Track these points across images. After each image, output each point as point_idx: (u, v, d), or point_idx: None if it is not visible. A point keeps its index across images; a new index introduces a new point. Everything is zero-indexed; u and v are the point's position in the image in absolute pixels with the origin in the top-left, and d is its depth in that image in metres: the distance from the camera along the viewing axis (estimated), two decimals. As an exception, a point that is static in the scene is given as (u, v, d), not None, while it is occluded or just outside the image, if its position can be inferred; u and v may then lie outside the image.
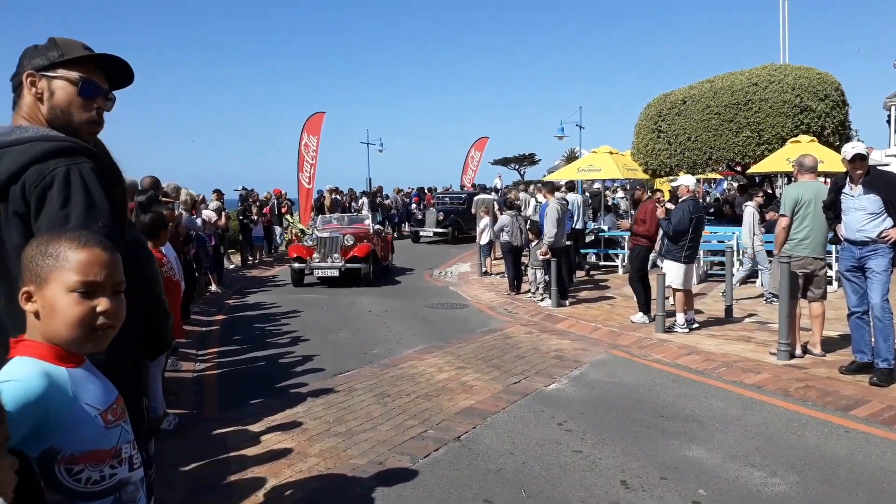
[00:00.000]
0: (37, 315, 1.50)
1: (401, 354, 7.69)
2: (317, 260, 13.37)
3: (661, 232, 8.58)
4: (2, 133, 1.92)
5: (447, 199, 24.83)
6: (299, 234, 21.62)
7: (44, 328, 1.50)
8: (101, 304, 1.50)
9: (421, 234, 22.89)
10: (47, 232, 1.64)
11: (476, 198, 21.00)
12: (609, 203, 19.00)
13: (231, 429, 5.27)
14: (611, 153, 16.70)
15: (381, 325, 9.51)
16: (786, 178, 9.64)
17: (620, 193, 22.52)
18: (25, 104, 2.02)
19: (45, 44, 2.04)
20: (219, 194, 14.78)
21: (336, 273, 13.19)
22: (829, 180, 8.19)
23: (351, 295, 12.35)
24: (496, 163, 58.82)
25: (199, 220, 11.16)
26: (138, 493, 1.60)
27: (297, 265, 13.60)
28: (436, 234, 22.53)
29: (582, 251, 14.08)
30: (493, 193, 23.40)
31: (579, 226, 13.51)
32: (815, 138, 12.60)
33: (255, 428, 5.26)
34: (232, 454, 4.74)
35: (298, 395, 6.14)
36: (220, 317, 10.48)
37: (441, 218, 22.60)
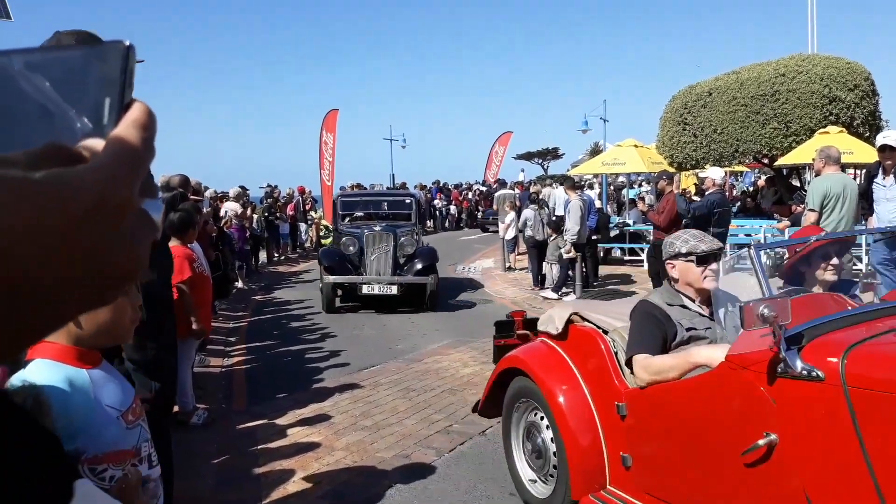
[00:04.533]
0: None
1: (425, 349, 7.73)
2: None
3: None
4: None
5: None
6: (324, 231, 21.81)
7: (77, 328, 1.49)
8: (137, 299, 1.54)
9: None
10: None
11: (498, 193, 20.99)
12: (632, 197, 18.86)
13: (259, 422, 5.35)
14: (636, 146, 16.59)
15: (406, 320, 9.57)
16: (815, 171, 9.48)
17: (645, 187, 22.37)
18: None
19: (51, 38, 2.07)
20: (244, 190, 14.94)
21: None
22: (857, 172, 8.07)
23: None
24: (519, 157, 58.63)
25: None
26: (159, 490, 1.64)
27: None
28: None
29: (606, 245, 14.02)
30: (515, 189, 23.32)
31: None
32: (844, 129, 12.39)
33: (282, 421, 5.34)
34: (260, 447, 4.82)
35: (325, 389, 6.22)
36: (248, 313, 10.61)
37: None
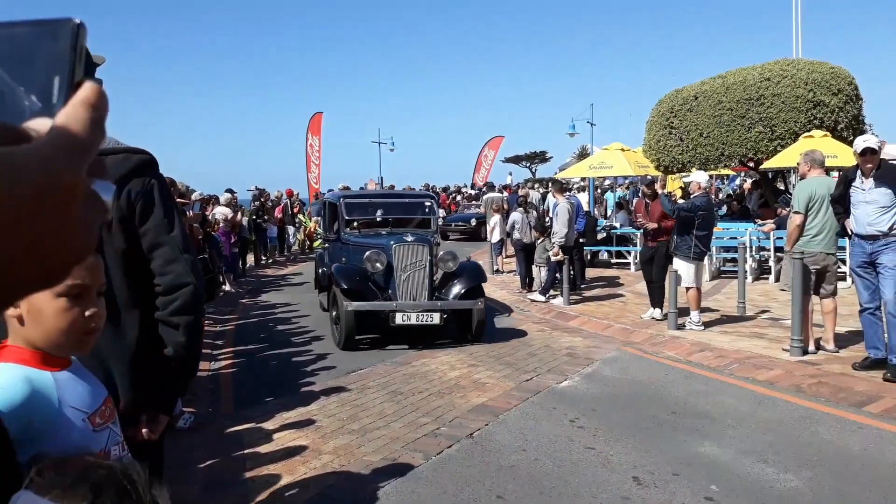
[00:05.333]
0: (20, 320, 1.46)
1: (413, 353, 7.72)
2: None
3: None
4: None
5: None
6: (313, 233, 21.74)
7: (29, 334, 1.46)
8: (90, 307, 1.49)
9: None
10: None
11: (485, 196, 21.06)
12: (617, 200, 18.98)
13: (246, 426, 5.33)
14: (622, 150, 16.67)
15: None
16: (800, 175, 9.57)
17: (620, 192, 22.46)
18: None
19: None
20: (232, 194, 14.89)
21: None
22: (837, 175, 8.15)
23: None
24: (507, 160, 58.76)
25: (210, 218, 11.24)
26: None
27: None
28: None
29: (593, 248, 14.09)
30: (503, 192, 23.40)
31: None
32: (828, 133, 12.53)
33: (269, 425, 5.33)
34: (247, 451, 4.80)
35: (312, 393, 6.20)
36: (235, 316, 10.57)
37: None
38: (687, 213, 8.06)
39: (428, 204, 10.15)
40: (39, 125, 0.41)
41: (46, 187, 0.38)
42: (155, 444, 2.15)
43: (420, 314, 7.91)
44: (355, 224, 9.80)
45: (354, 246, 8.87)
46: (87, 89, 0.42)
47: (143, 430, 2.02)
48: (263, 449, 4.84)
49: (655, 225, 8.85)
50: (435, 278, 8.36)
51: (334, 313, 8.28)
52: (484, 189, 27.60)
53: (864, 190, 6.01)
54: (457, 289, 8.21)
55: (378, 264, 8.07)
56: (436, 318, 7.91)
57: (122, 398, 1.99)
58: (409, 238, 8.36)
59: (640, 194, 12.72)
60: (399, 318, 7.87)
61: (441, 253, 8.45)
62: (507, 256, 14.72)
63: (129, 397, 2.02)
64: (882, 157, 6.24)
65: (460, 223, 23.76)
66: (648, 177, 15.71)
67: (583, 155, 41.79)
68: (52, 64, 0.43)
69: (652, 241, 9.03)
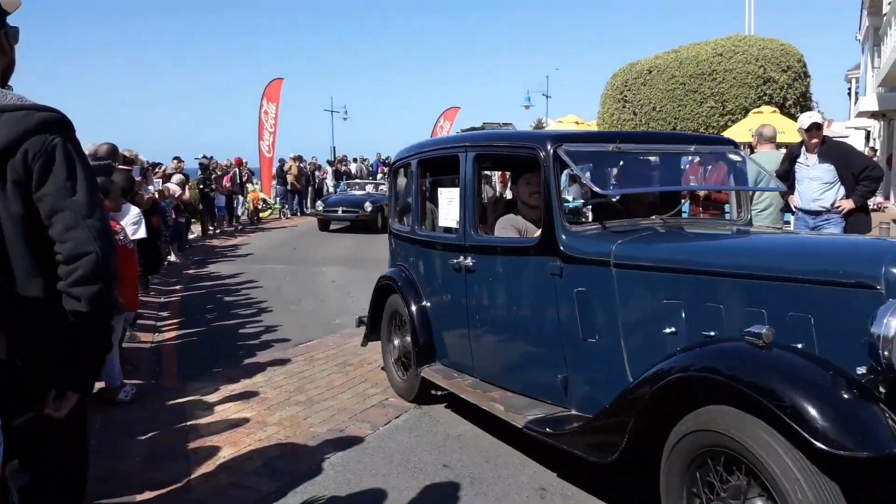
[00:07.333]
0: None
1: (364, 324, 7.65)
2: None
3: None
4: None
5: None
6: (261, 203, 21.40)
7: None
8: None
9: None
10: None
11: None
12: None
13: (189, 398, 5.20)
14: (577, 123, 16.69)
15: (346, 295, 9.46)
16: (748, 149, 9.81)
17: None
18: None
19: None
20: (178, 162, 14.49)
21: None
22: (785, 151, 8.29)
23: (314, 265, 12.26)
24: (464, 132, 58.57)
25: (150, 188, 10.92)
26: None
27: None
28: None
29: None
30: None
31: None
32: (777, 109, 12.75)
33: (213, 398, 5.21)
34: (190, 423, 4.69)
35: (259, 364, 6.09)
36: (180, 287, 10.32)
37: None
38: None
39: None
40: None
41: None
42: (75, 422, 2.04)
43: None
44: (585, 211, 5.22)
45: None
46: None
47: (47, 409, 1.91)
48: (206, 421, 4.73)
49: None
50: None
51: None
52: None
53: (808, 166, 6.12)
54: None
55: None
56: None
57: (27, 374, 1.88)
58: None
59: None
60: None
61: None
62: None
63: (34, 373, 1.90)
64: (827, 133, 6.36)
65: (348, 208, 17.61)
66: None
67: (538, 128, 41.89)
68: None
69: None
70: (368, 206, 17.23)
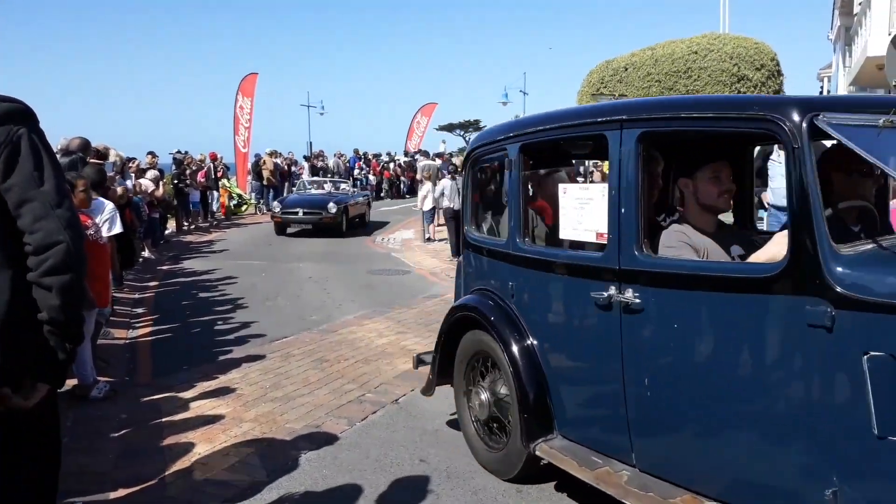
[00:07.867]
0: None
1: (340, 320, 7.63)
2: None
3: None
4: None
5: None
6: (236, 199, 21.22)
7: None
8: None
9: None
10: None
11: (421, 164, 20.80)
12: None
13: (164, 395, 5.16)
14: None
15: (322, 291, 9.42)
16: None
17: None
18: None
19: None
20: (153, 157, 14.30)
21: None
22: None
23: (291, 261, 12.19)
24: (441, 129, 58.52)
25: (128, 183, 10.79)
26: None
27: None
28: None
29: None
30: (436, 159, 23.25)
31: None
32: (750, 107, 12.91)
33: (189, 394, 5.16)
34: (164, 420, 4.65)
35: (234, 361, 6.04)
36: (155, 283, 10.21)
37: None
38: None
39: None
40: None
41: None
42: (46, 418, 2.02)
43: None
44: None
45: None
46: None
47: (13, 399, 1.89)
48: (181, 417, 4.69)
49: None
50: None
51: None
52: (418, 157, 27.44)
53: (780, 163, 6.20)
54: None
55: None
56: None
57: None
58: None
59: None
60: None
61: None
62: (438, 225, 14.70)
63: (3, 366, 1.87)
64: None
65: (310, 210, 15.99)
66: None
67: (515, 125, 41.91)
68: None
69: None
70: (333, 208, 15.79)
